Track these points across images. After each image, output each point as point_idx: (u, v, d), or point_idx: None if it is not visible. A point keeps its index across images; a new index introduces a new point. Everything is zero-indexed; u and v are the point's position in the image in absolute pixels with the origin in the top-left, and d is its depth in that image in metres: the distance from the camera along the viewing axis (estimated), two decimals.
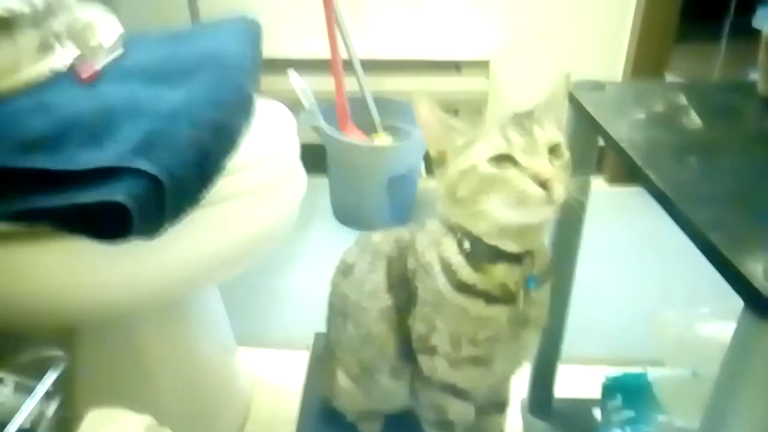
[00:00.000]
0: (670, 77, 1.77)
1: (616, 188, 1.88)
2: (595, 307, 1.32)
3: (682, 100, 0.75)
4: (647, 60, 1.74)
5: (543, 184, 0.53)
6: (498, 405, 0.81)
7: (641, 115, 0.70)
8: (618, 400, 0.92)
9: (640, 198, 1.78)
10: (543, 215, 0.57)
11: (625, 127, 0.67)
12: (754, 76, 0.78)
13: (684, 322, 0.88)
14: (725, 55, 1.94)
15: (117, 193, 0.59)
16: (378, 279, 0.72)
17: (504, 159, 0.55)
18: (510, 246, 0.60)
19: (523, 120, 0.58)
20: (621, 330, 1.29)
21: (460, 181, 0.58)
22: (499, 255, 0.61)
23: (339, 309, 0.80)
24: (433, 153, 0.62)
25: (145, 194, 0.60)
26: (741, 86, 0.81)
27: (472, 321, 0.63)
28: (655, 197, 0.54)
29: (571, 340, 0.96)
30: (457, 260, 0.62)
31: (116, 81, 0.80)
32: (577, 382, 1.11)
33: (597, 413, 0.96)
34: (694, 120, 0.69)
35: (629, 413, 0.90)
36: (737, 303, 0.41)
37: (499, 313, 0.62)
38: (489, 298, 0.62)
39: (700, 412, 0.47)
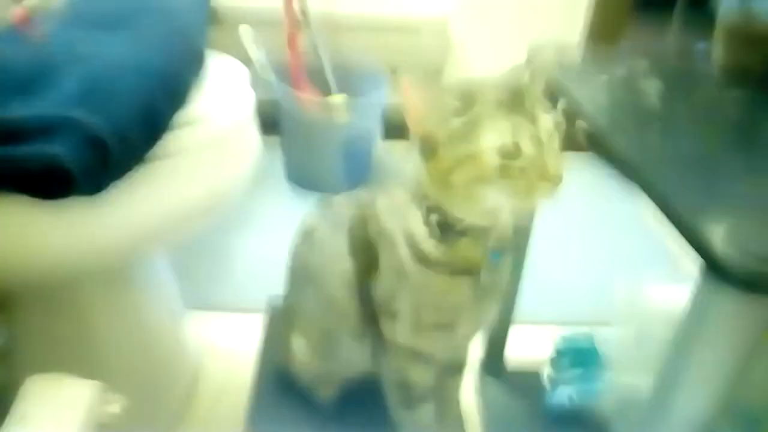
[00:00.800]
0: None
1: (569, 155, 1.92)
2: (549, 272, 1.35)
3: (642, 65, 0.75)
4: (605, 26, 1.75)
5: (551, 177, 0.51)
6: (457, 366, 0.82)
7: (603, 79, 0.70)
8: (567, 360, 0.95)
9: (591, 165, 1.83)
10: (540, 200, 0.54)
11: (585, 91, 0.67)
12: (702, 45, 0.79)
13: (633, 285, 0.91)
14: (677, 26, 1.98)
15: (55, 146, 0.55)
16: (339, 243, 0.70)
17: (510, 149, 0.51)
18: (483, 221, 0.59)
19: (523, 99, 0.53)
20: (572, 293, 1.33)
21: (456, 168, 0.53)
22: (466, 230, 0.59)
23: (300, 274, 0.78)
24: (418, 135, 0.56)
25: (86, 148, 0.57)
26: (698, 55, 0.82)
27: (435, 292, 0.62)
28: (617, 163, 0.54)
29: (524, 303, 0.99)
30: (422, 232, 0.61)
31: (53, 25, 0.73)
32: (529, 342, 1.14)
33: (547, 372, 0.99)
34: (652, 85, 0.70)
35: (577, 371, 0.93)
36: (685, 267, 0.42)
37: (463, 284, 0.62)
38: (453, 270, 0.61)
39: (645, 370, 0.49)
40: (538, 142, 0.51)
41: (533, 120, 0.52)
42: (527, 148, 0.51)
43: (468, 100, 0.53)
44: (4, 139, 0.56)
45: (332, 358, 0.81)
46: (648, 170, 0.50)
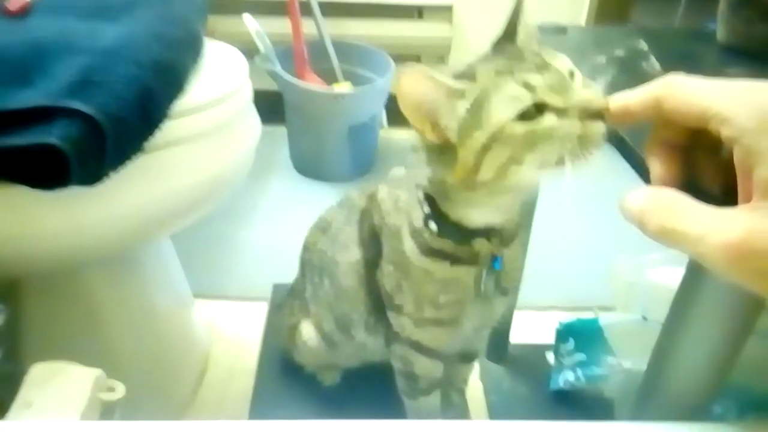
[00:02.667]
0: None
1: None
2: (550, 256, 1.34)
3: (643, 45, 0.74)
4: (610, 7, 1.73)
5: (597, 115, 0.41)
6: (467, 356, 0.81)
7: (602, 60, 0.69)
8: (570, 344, 0.94)
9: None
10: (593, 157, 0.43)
11: (586, 71, 0.66)
12: (710, 25, 0.78)
13: (635, 268, 0.90)
14: (685, 5, 1.94)
15: (51, 135, 0.55)
16: (350, 233, 0.70)
17: (533, 110, 0.43)
18: (493, 219, 0.55)
19: (524, 54, 0.45)
20: (575, 277, 1.32)
21: (483, 161, 0.45)
22: (469, 234, 0.56)
23: (317, 266, 0.77)
24: (429, 140, 0.48)
25: (83, 137, 0.57)
26: (700, 34, 0.81)
27: (437, 283, 0.60)
28: (613, 142, 0.53)
29: (527, 288, 0.98)
30: (427, 229, 0.58)
31: (49, 14, 0.74)
32: (531, 327, 1.14)
33: (550, 357, 0.99)
34: (653, 65, 0.68)
35: (581, 356, 0.93)
36: None
37: (465, 273, 0.59)
38: (454, 259, 0.59)
39: (649, 354, 0.48)
40: (561, 87, 0.43)
41: (545, 68, 0.44)
42: (552, 99, 0.42)
43: (467, 77, 0.47)
44: (1, 127, 0.56)
45: (343, 348, 0.81)
46: (643, 150, 0.49)
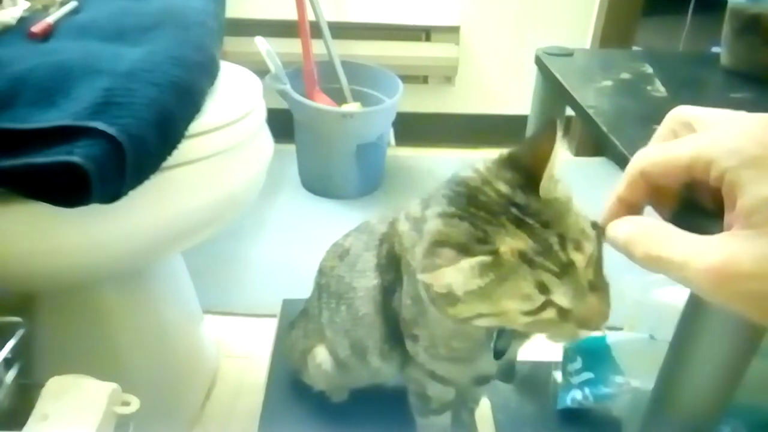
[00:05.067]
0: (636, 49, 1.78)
1: (582, 159, 1.91)
2: None
3: (648, 69, 0.76)
4: (615, 31, 1.75)
5: (593, 327, 0.43)
6: (481, 380, 0.81)
7: (608, 83, 0.71)
8: (578, 363, 0.95)
9: (604, 168, 1.82)
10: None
11: (591, 95, 0.68)
12: (717, 49, 0.80)
13: (642, 287, 0.91)
14: (690, 29, 1.96)
15: (73, 154, 0.57)
16: (368, 257, 0.70)
17: (540, 308, 0.43)
18: None
19: (548, 240, 0.41)
20: None
21: (477, 320, 0.46)
22: None
23: (334, 291, 0.77)
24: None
25: (104, 155, 0.58)
26: (704, 57, 0.83)
27: (450, 331, 0.61)
28: (620, 163, 0.55)
29: None
30: None
31: (70, 37, 0.76)
32: (539, 345, 1.14)
33: (558, 375, 0.99)
34: (658, 88, 0.70)
35: (588, 375, 0.93)
36: None
37: (476, 329, 0.58)
38: None
39: (656, 373, 0.49)
40: (575, 293, 0.42)
41: (568, 268, 0.41)
42: (561, 301, 0.42)
43: (483, 237, 0.43)
44: (25, 148, 0.58)
45: (357, 372, 0.80)
46: None
